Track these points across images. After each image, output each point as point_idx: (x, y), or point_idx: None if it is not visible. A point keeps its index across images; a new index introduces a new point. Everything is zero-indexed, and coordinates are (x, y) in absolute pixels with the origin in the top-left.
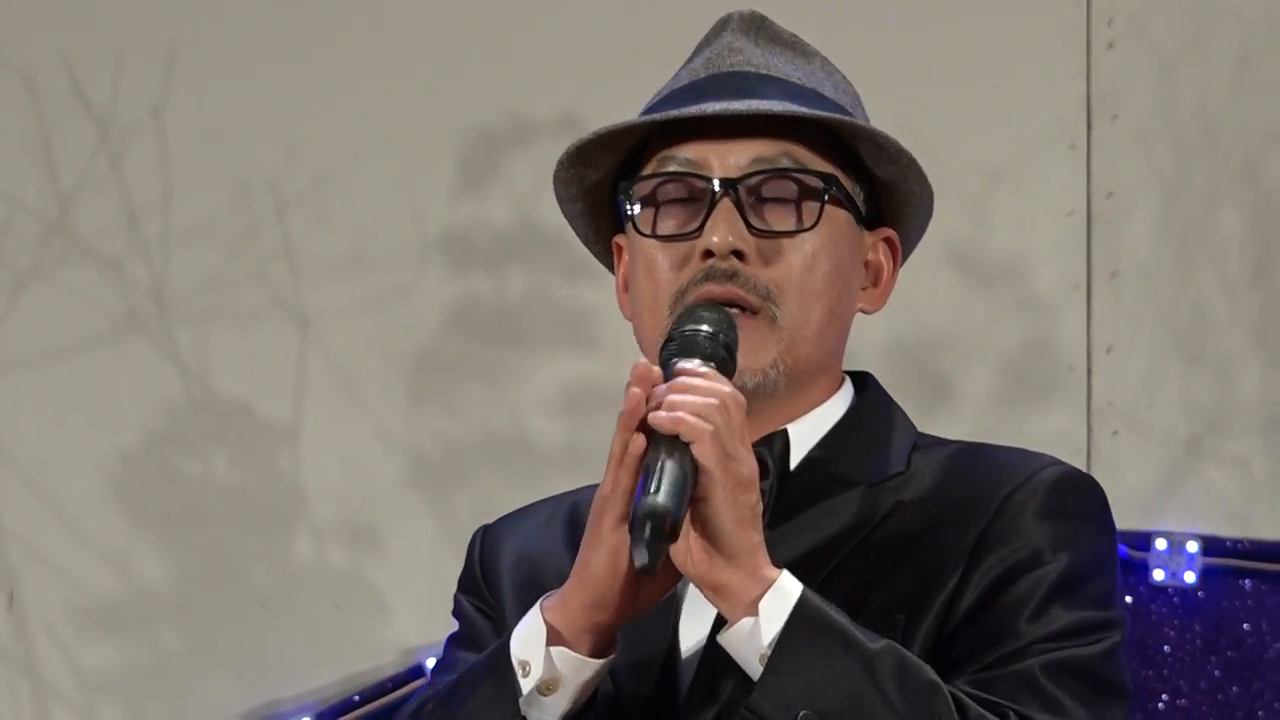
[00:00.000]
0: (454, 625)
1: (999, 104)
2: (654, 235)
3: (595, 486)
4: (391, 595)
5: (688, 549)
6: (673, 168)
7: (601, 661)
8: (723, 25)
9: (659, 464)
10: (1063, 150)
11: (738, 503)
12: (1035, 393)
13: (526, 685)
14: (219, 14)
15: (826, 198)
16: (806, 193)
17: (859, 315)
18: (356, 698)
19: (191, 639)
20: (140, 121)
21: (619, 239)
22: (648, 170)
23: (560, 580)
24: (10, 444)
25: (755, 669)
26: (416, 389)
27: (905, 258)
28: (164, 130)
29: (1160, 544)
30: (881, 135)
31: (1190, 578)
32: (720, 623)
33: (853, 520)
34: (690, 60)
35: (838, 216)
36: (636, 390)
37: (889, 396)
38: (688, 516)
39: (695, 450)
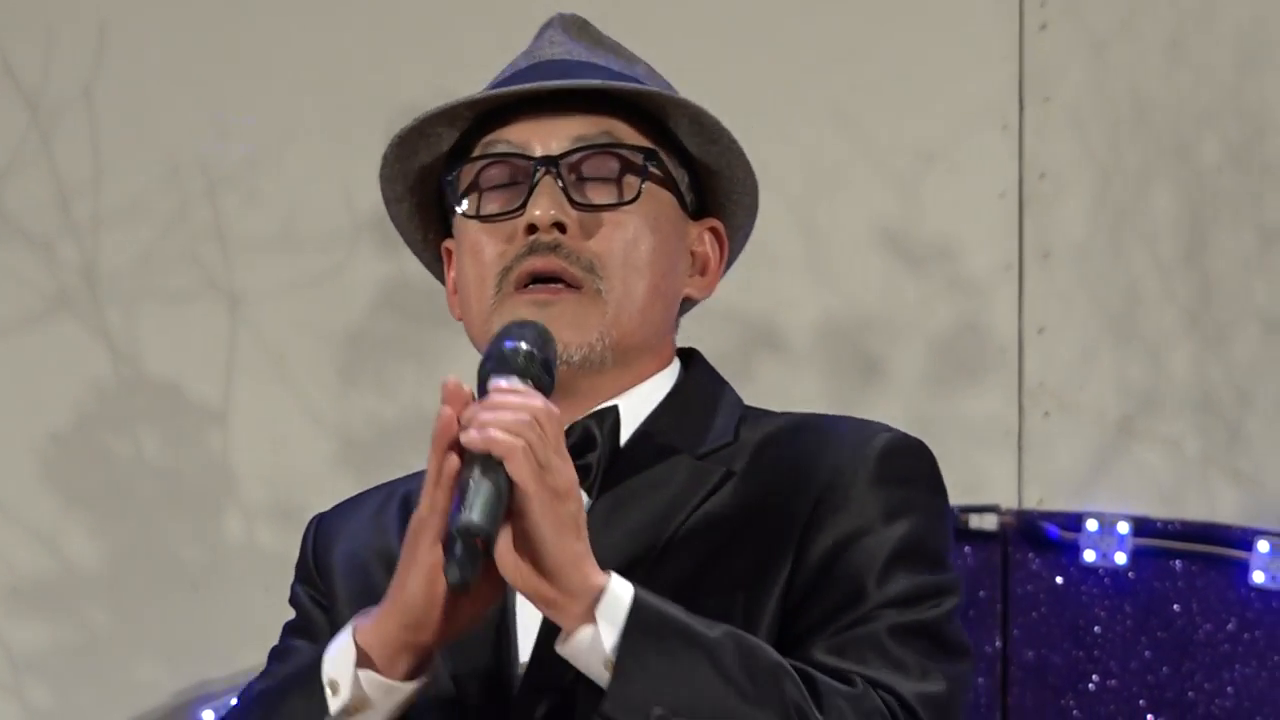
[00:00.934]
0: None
1: (931, 84)
2: (478, 216)
3: (422, 473)
4: None
5: (515, 564)
6: (494, 150)
7: (412, 685)
8: (545, 26)
9: (472, 482)
10: (995, 131)
11: (556, 514)
12: (967, 374)
13: (334, 705)
14: None
15: (647, 173)
16: (627, 167)
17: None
18: None
19: (121, 619)
20: (71, 100)
21: (448, 243)
22: (471, 156)
23: (390, 570)
24: None
25: (602, 676)
26: (347, 369)
27: (736, 253)
28: (95, 109)
29: (1091, 525)
30: (702, 111)
31: (1121, 559)
32: (550, 622)
33: (683, 490)
34: (515, 61)
35: (660, 196)
36: (447, 409)
37: (716, 372)
38: (510, 532)
39: (508, 466)
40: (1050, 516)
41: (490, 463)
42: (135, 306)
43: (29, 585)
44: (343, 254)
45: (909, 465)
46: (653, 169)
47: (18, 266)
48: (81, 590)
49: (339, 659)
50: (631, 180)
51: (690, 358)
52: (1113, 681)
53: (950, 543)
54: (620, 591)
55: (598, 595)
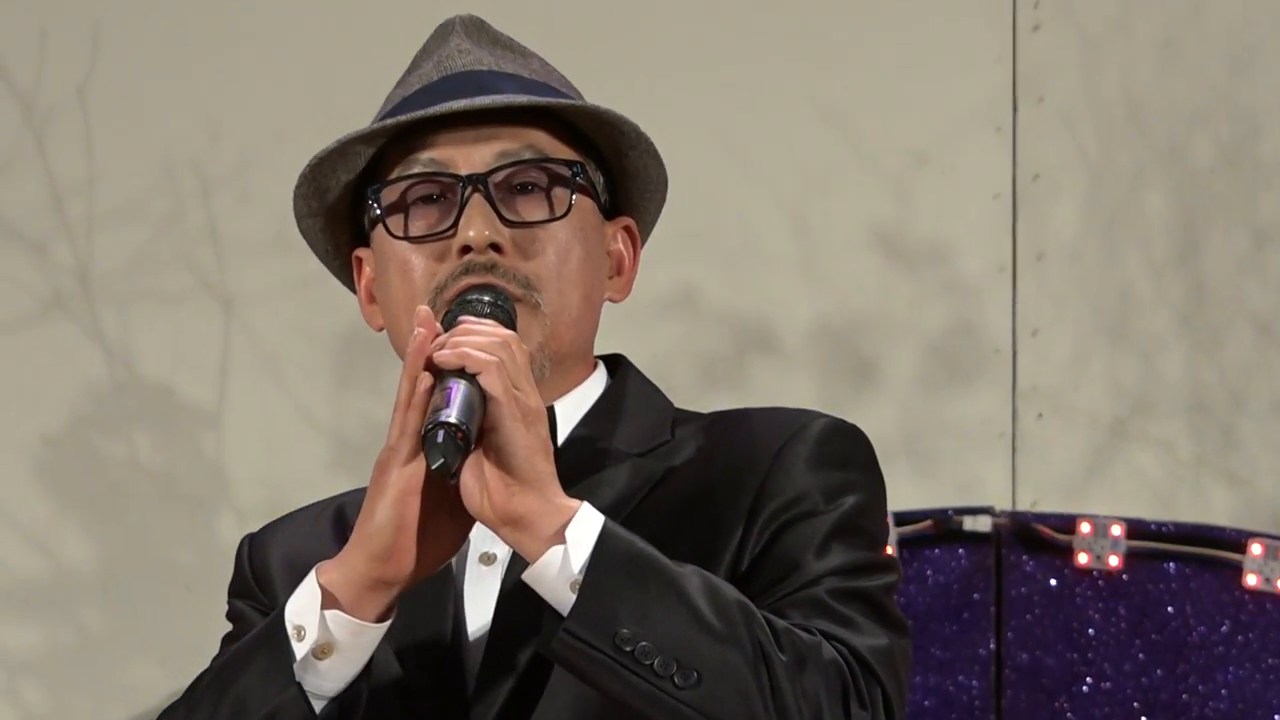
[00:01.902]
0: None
1: (924, 86)
2: (407, 237)
3: (359, 490)
4: None
5: (483, 486)
6: (418, 169)
7: (379, 626)
8: (447, 30)
9: (447, 389)
10: (988, 132)
11: (529, 431)
12: (960, 375)
13: (300, 650)
14: None
15: (576, 185)
16: (555, 181)
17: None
18: None
19: (115, 621)
20: (65, 101)
21: (359, 252)
22: (393, 175)
23: None
24: None
25: (567, 598)
26: (341, 371)
27: (642, 245)
28: (88, 110)
29: (1085, 527)
30: (623, 119)
31: (1115, 561)
32: (503, 605)
33: (626, 488)
34: (418, 66)
35: (585, 205)
36: (422, 330)
37: (644, 375)
38: (476, 462)
39: (482, 380)
40: (1044, 518)
41: (463, 378)
42: (129, 308)
43: (22, 587)
44: None
45: (847, 448)
46: (580, 181)
47: (11, 268)
48: (75, 592)
49: (303, 604)
50: (561, 194)
51: (618, 364)
52: (1107, 684)
53: (887, 529)
54: (590, 516)
55: (569, 517)
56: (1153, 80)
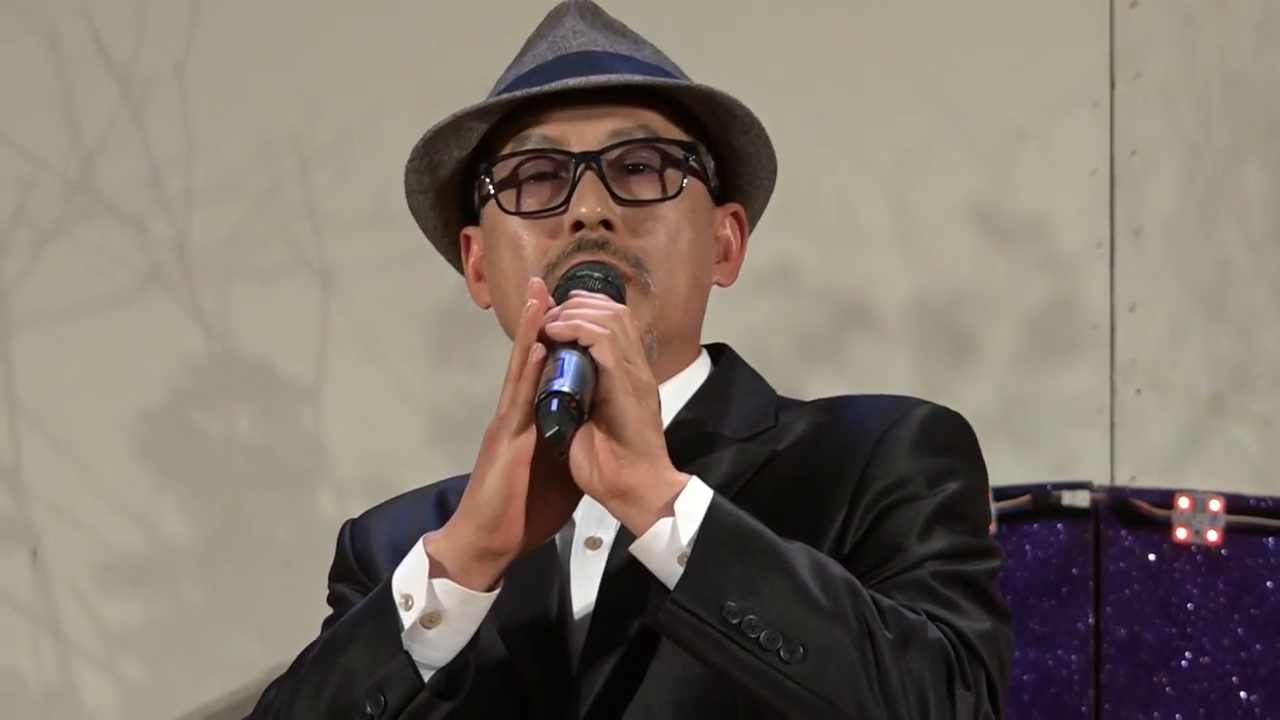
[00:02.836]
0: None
1: (1022, 62)
2: (519, 213)
3: (461, 476)
4: None
5: (593, 458)
6: (531, 145)
7: (487, 595)
8: (561, 12)
9: (559, 360)
10: (1086, 108)
11: (640, 405)
12: (1058, 351)
13: (408, 619)
14: None
15: (688, 167)
16: (668, 161)
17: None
18: None
19: (214, 596)
20: (163, 77)
21: (468, 230)
22: (506, 151)
23: None
24: (34, 401)
25: (674, 571)
26: (439, 346)
27: (749, 232)
28: (186, 86)
29: (1183, 502)
30: (737, 103)
31: (1213, 536)
32: (608, 585)
33: (731, 471)
34: (533, 46)
35: (696, 188)
36: (535, 302)
37: (747, 363)
38: (586, 434)
39: (595, 352)
40: (1142, 493)
41: (576, 349)
42: (227, 284)
43: (122, 562)
44: None
45: (950, 434)
46: (692, 164)
47: (110, 244)
48: (174, 567)
49: (411, 573)
50: (673, 175)
51: (721, 351)
52: (1205, 659)
53: (989, 513)
54: (699, 490)
55: (678, 490)
56: (1250, 55)
